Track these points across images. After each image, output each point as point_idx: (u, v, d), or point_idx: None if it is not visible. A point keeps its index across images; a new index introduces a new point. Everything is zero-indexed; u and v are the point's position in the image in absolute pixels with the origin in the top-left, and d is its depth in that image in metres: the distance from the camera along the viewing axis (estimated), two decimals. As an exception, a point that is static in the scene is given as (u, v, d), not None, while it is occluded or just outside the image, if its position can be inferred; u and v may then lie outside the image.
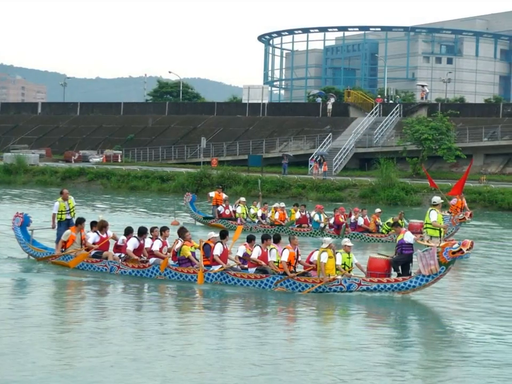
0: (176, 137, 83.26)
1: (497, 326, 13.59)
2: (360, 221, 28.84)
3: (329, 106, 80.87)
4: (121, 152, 78.66)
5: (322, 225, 28.75)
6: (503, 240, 29.39)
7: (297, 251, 17.49)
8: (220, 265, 17.28)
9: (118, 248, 19.01)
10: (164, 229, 18.61)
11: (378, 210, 30.03)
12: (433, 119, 63.19)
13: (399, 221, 24.16)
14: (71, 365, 10.35)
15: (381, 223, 28.66)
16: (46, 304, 15.22)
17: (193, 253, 17.88)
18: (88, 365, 10.29)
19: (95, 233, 19.02)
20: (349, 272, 17.00)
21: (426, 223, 20.28)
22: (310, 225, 29.52)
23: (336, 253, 16.93)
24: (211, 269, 17.43)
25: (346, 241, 17.43)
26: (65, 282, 18.12)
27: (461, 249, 15.08)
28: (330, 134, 70.99)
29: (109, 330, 12.74)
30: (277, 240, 18.04)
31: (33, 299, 15.48)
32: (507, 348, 12.04)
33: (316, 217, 29.08)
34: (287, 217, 30.09)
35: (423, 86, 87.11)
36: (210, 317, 14.40)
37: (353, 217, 29.16)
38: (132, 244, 18.16)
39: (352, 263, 17.16)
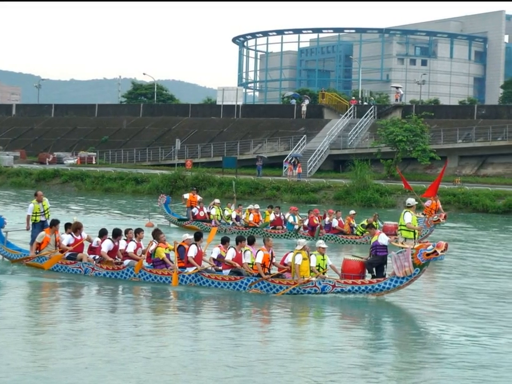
0: (150, 139, 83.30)
1: (471, 328, 13.60)
2: (335, 223, 28.81)
3: (304, 108, 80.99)
4: (95, 154, 78.35)
5: (296, 227, 28.70)
6: (477, 242, 29.38)
7: (272, 253, 17.56)
8: (195, 267, 17.27)
9: (92, 250, 18.88)
10: (138, 231, 18.64)
11: (352, 212, 30.05)
12: (408, 121, 62.91)
13: (374, 223, 24.37)
14: (46, 366, 10.36)
15: (355, 225, 28.61)
16: (20, 306, 15.19)
17: (167, 255, 17.89)
18: (63, 367, 10.28)
19: (70, 235, 18.94)
20: (323, 274, 16.97)
21: (400, 225, 20.46)
22: (285, 227, 29.44)
23: (311, 254, 16.92)
24: (185, 270, 17.48)
25: (320, 243, 17.40)
26: (40, 284, 18.07)
27: (435, 251, 15.17)
28: (305, 135, 71.13)
29: (84, 332, 12.71)
30: (251, 242, 18.05)
31: (7, 301, 15.43)
32: (481, 349, 12.06)
33: (290, 219, 28.98)
34: (261, 219, 30.05)
35: (397, 87, 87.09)
36: (184, 319, 14.37)
37: (327, 219, 29.06)
38: (106, 245, 18.14)
39: (326, 265, 17.15)
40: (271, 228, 29.57)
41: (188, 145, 74.04)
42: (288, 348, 12.02)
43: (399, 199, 44.63)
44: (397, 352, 12.09)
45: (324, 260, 17.12)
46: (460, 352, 11.81)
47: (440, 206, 29.30)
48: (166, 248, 18.10)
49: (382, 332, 13.78)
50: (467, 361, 11.26)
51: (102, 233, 18.67)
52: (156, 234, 18.28)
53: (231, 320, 14.27)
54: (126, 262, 18.07)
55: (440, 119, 71.25)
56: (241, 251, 17.52)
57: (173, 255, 17.73)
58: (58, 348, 11.46)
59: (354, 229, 28.54)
